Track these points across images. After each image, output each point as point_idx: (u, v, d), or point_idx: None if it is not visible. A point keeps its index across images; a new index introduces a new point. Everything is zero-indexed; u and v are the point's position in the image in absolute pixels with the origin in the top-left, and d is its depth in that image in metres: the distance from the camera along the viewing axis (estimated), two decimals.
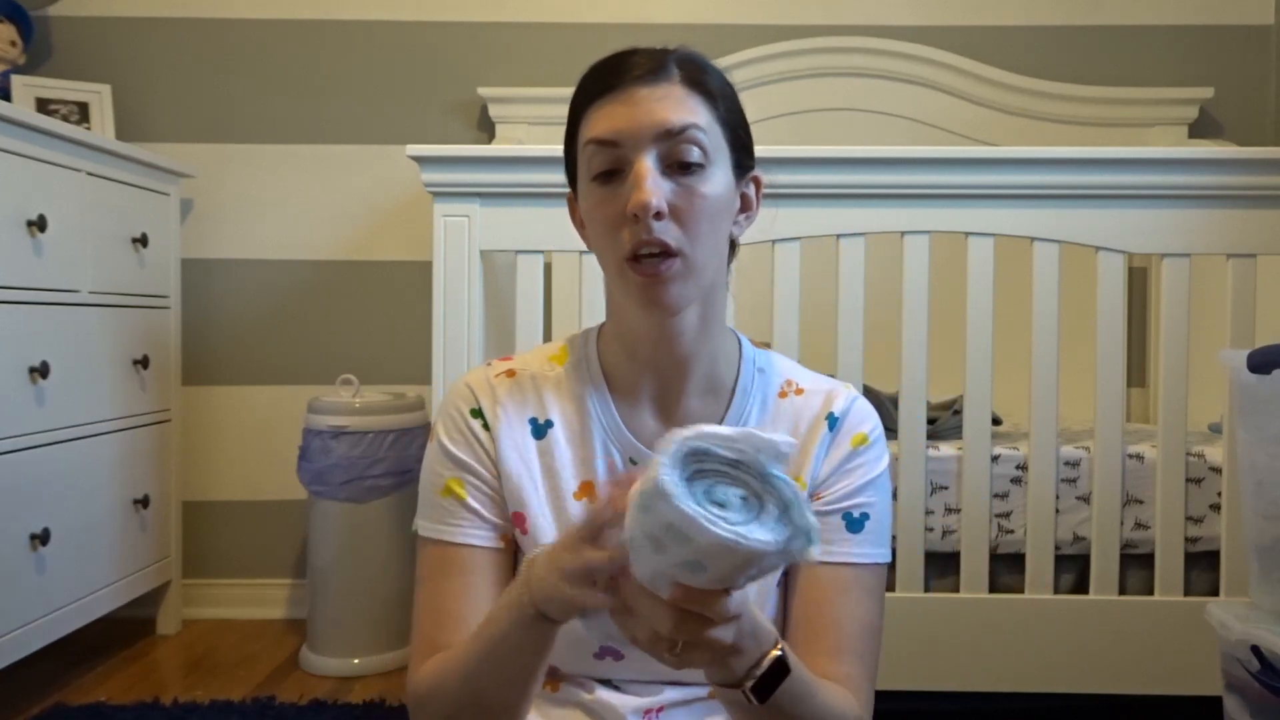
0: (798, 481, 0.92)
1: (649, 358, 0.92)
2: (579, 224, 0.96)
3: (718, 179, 0.86)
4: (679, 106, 0.84)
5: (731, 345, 0.97)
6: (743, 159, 0.90)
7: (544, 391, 0.96)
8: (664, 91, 0.85)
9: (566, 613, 0.77)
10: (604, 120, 0.85)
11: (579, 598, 0.73)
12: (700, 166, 0.85)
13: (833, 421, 0.95)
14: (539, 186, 1.71)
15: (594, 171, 0.86)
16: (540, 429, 0.95)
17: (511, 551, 0.94)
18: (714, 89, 0.87)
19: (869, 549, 0.93)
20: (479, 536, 0.92)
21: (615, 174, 0.85)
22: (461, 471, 0.93)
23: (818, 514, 0.91)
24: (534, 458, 0.94)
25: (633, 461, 0.94)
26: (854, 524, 0.92)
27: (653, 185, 0.82)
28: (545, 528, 0.92)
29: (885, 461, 0.96)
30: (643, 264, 0.84)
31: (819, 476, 0.94)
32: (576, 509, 0.93)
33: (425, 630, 0.92)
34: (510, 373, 0.97)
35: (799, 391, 0.97)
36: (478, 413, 0.95)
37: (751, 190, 0.93)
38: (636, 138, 0.84)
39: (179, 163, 2.49)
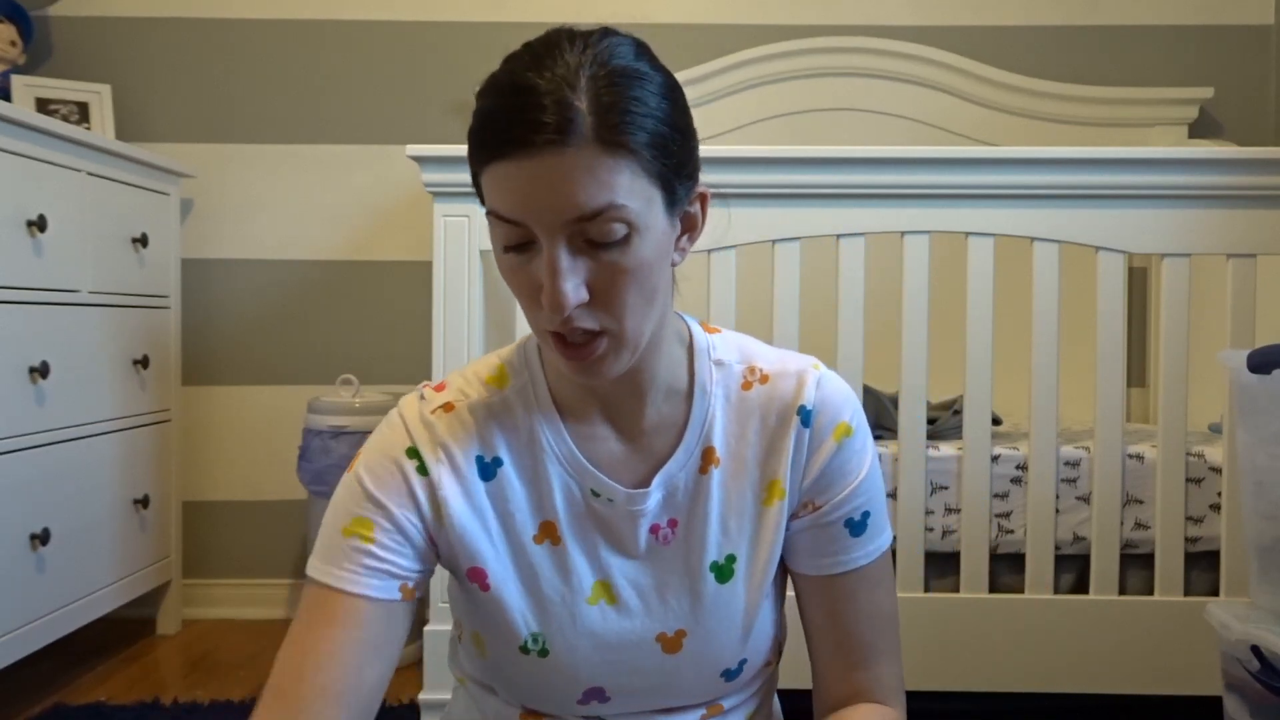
0: (774, 485, 0.86)
1: (599, 387, 0.84)
2: None
3: (648, 239, 0.73)
4: (592, 182, 0.69)
5: (681, 342, 0.87)
6: (679, 190, 0.76)
7: (488, 424, 0.85)
8: (573, 163, 0.68)
9: None
10: (504, 191, 0.71)
11: None
12: (625, 238, 0.72)
13: (806, 416, 0.86)
14: None
15: (501, 242, 0.74)
16: (488, 468, 0.84)
17: (411, 605, 0.83)
18: (634, 139, 0.70)
19: (872, 544, 0.88)
20: (375, 587, 0.79)
21: (526, 245, 0.73)
22: (376, 512, 0.81)
23: (818, 527, 0.87)
24: (485, 502, 0.84)
25: (594, 494, 0.84)
26: (857, 527, 0.87)
27: (566, 286, 0.71)
28: (506, 580, 0.84)
29: (871, 442, 0.89)
30: (568, 346, 0.75)
31: (806, 483, 0.86)
32: (538, 554, 0.84)
33: (280, 677, 0.78)
34: (448, 406, 0.85)
35: (764, 379, 0.87)
36: (414, 452, 0.83)
37: (696, 208, 0.80)
38: (543, 222, 0.70)
39: (179, 163, 2.49)
